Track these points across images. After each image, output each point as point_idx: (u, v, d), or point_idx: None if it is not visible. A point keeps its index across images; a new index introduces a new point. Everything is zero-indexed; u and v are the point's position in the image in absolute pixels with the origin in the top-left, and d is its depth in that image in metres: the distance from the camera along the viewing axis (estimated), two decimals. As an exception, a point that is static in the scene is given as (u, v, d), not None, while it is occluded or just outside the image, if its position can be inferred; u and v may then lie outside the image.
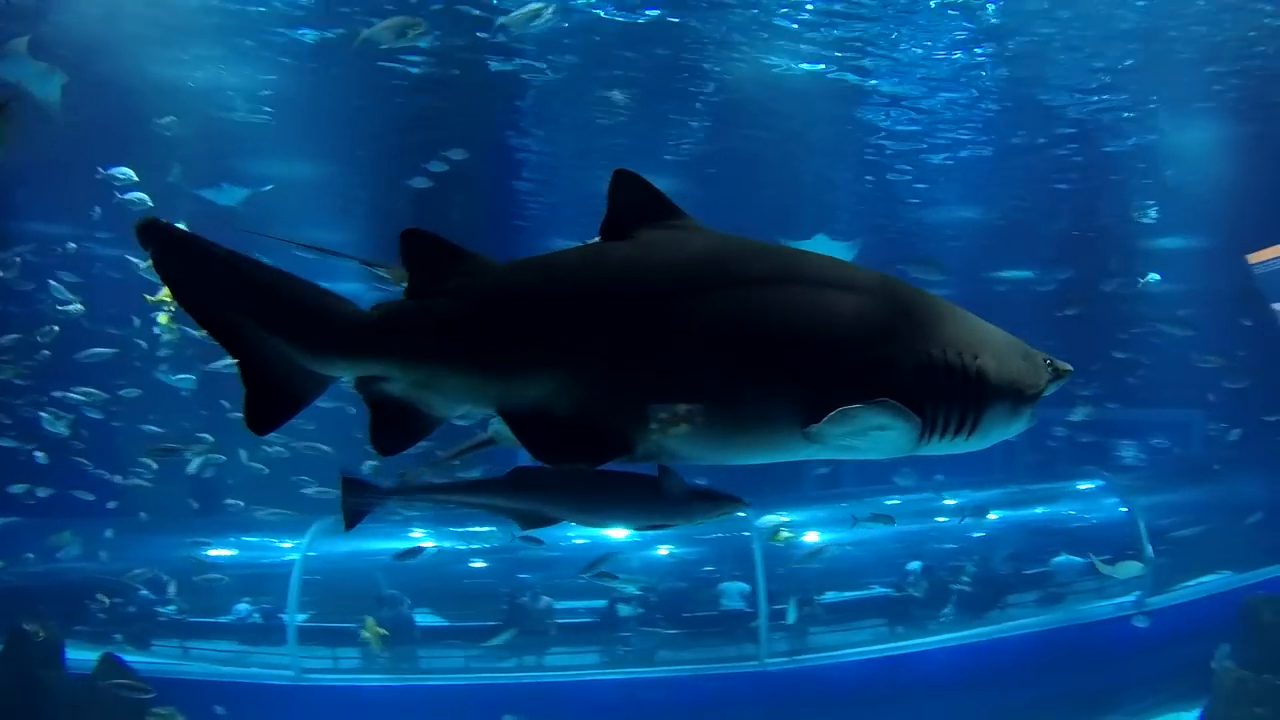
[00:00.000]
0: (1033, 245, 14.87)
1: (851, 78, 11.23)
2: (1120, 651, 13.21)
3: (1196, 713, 12.29)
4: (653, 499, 2.64)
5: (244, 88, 11.00)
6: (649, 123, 12.08)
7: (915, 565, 13.02)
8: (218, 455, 12.58)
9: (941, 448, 2.19)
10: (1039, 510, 13.83)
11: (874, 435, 2.05)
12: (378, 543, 13.77)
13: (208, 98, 10.83)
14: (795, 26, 10.38)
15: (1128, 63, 10.90)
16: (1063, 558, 13.41)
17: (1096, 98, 11.86)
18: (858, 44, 10.69)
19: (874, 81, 11.40)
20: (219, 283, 2.07)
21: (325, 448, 12.50)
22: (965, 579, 12.59)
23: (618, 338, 2.04)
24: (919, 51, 10.86)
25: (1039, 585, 13.23)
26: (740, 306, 2.04)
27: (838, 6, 9.82)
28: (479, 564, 13.29)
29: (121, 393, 12.52)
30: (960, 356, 2.13)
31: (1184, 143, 12.51)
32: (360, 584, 13.43)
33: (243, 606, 13.39)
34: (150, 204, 10.52)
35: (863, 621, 12.67)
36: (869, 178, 13.22)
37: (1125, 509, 13.72)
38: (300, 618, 12.87)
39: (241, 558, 14.23)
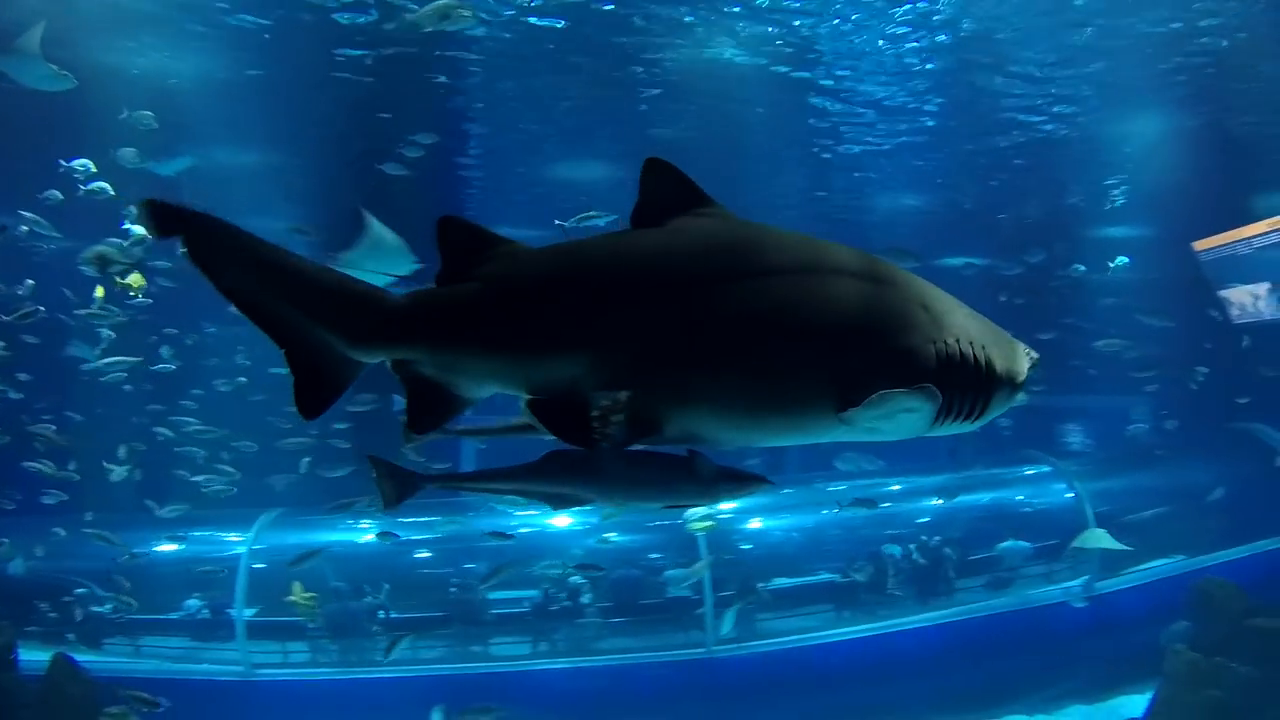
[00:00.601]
0: (977, 232, 14.98)
1: (797, 71, 11.21)
2: (1071, 635, 13.35)
3: (1149, 695, 12.32)
4: (683, 479, 2.66)
5: (189, 74, 10.90)
6: (592, 110, 12.02)
7: (894, 549, 13.06)
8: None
9: (948, 429, 2.36)
10: (986, 496, 13.89)
11: (900, 418, 2.18)
12: (324, 535, 13.72)
13: (152, 84, 10.71)
14: (739, 10, 10.35)
15: (1075, 52, 10.95)
16: (1010, 543, 13.49)
17: (1042, 87, 11.92)
18: (802, 31, 10.68)
19: (819, 68, 11.39)
20: (262, 275, 2.11)
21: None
22: (912, 564, 12.61)
23: (651, 323, 2.09)
24: (864, 37, 10.88)
25: (987, 570, 13.29)
26: (777, 294, 2.13)
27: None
28: (424, 554, 13.16)
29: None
30: (971, 347, 2.30)
31: (1129, 133, 12.60)
32: (307, 577, 13.31)
33: (192, 602, 13.33)
34: (111, 193, 10.39)
35: (810, 607, 12.68)
36: (813, 163, 13.20)
37: (1072, 494, 13.84)
38: (249, 612, 12.75)
39: (188, 553, 14.08)
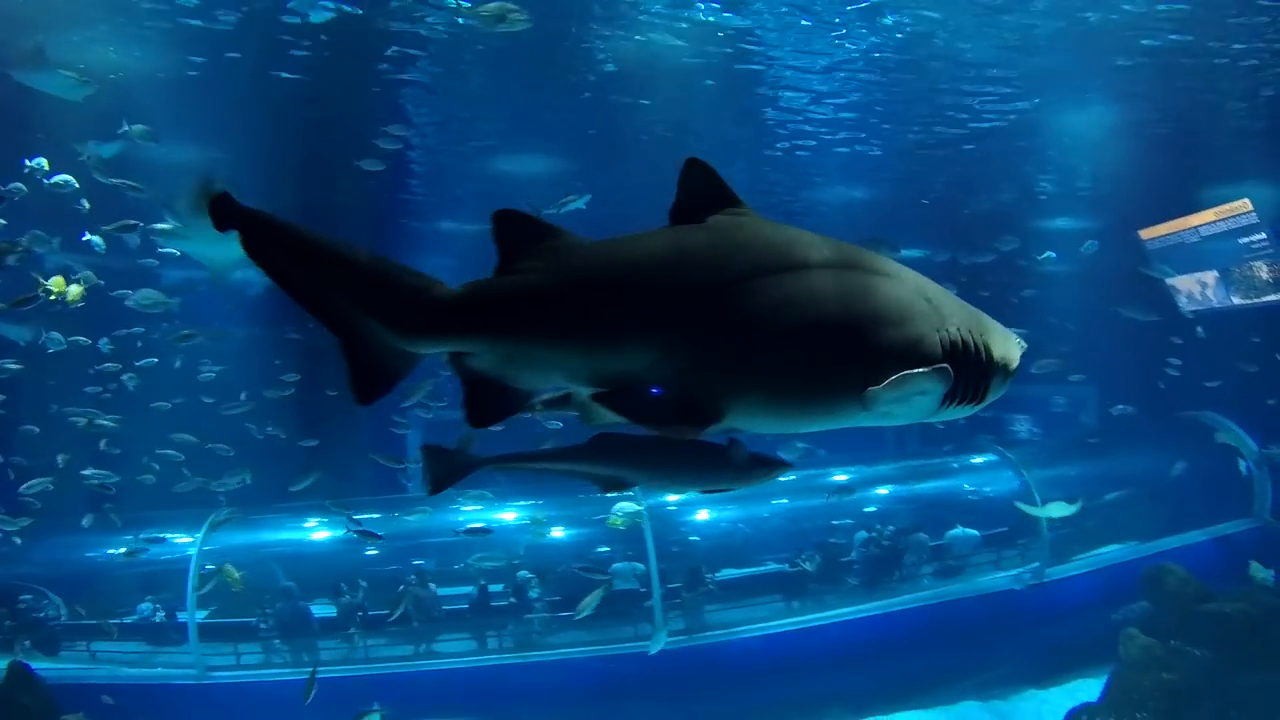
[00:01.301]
0: (923, 224, 15.07)
1: (741, 61, 11.24)
2: (1023, 622, 13.48)
3: (1103, 679, 12.48)
4: (720, 464, 2.83)
5: (136, 70, 10.84)
6: (534, 103, 12.02)
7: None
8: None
9: (951, 413, 2.54)
10: (933, 484, 14.00)
11: (913, 400, 2.35)
12: (271, 534, 13.71)
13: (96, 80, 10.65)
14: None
15: (1023, 43, 11.02)
16: (958, 530, 13.60)
17: (988, 84, 11.99)
18: (746, 22, 10.69)
19: (762, 62, 11.42)
20: (314, 266, 2.15)
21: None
22: (861, 553, 12.68)
23: (709, 316, 2.20)
24: (807, 27, 10.89)
25: (936, 558, 13.38)
26: (811, 289, 2.28)
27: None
28: (373, 552, 13.15)
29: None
30: (972, 336, 2.50)
31: (1074, 126, 12.72)
32: (257, 577, 13.28)
33: (145, 606, 13.26)
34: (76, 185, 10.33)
35: (758, 598, 12.74)
36: (758, 155, 13.25)
37: (1020, 482, 13.94)
38: (200, 615, 12.72)
39: (140, 555, 14.00)
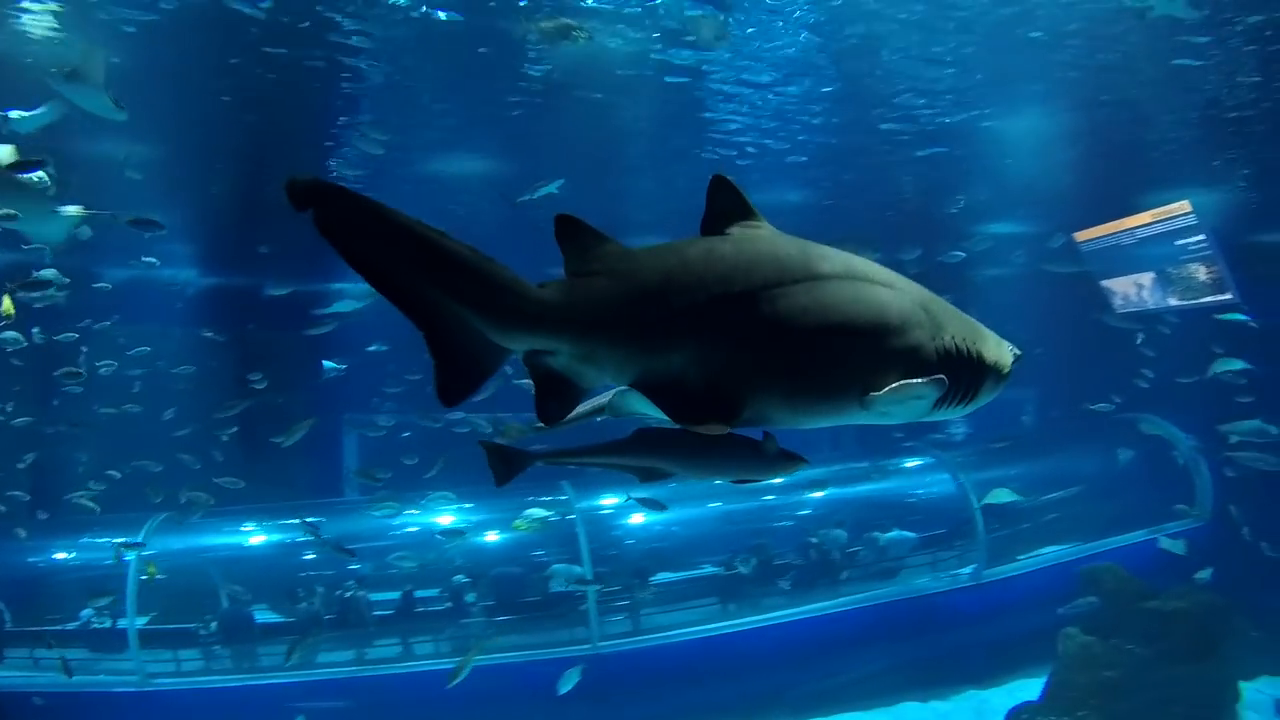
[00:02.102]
0: (863, 227, 15.12)
1: (681, 57, 11.26)
2: (962, 622, 13.59)
3: (1043, 678, 12.64)
4: (750, 457, 3.05)
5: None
6: (471, 104, 12.01)
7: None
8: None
9: (941, 414, 2.73)
10: (869, 487, 14.09)
11: (910, 404, 2.56)
12: (210, 539, 13.67)
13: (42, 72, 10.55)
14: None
15: (965, 50, 11.11)
16: (895, 533, 13.69)
17: (926, 91, 12.06)
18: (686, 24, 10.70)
19: (705, 64, 11.43)
20: (401, 251, 2.11)
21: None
22: (796, 555, 12.75)
23: (741, 321, 2.40)
24: (750, 30, 10.93)
25: (872, 560, 13.46)
26: (823, 299, 2.49)
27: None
28: (311, 556, 13.13)
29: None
30: (965, 343, 2.71)
31: (1015, 131, 12.81)
32: (196, 581, 13.25)
33: (87, 611, 13.17)
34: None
35: (694, 601, 12.79)
36: (696, 157, 13.27)
37: (956, 484, 14.04)
38: (140, 621, 12.66)
39: (81, 559, 13.95)
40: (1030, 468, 14.72)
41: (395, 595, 12.67)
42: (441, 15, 10.07)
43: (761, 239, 2.59)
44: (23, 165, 9.16)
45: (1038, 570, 14.19)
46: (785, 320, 2.42)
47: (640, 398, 2.44)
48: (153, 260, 13.54)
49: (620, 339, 2.35)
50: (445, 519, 12.52)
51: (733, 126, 13.04)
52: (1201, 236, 14.02)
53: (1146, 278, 14.44)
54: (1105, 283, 14.79)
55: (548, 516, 10.79)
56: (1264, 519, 14.74)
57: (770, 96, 12.36)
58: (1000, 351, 2.86)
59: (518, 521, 10.69)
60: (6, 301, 11.24)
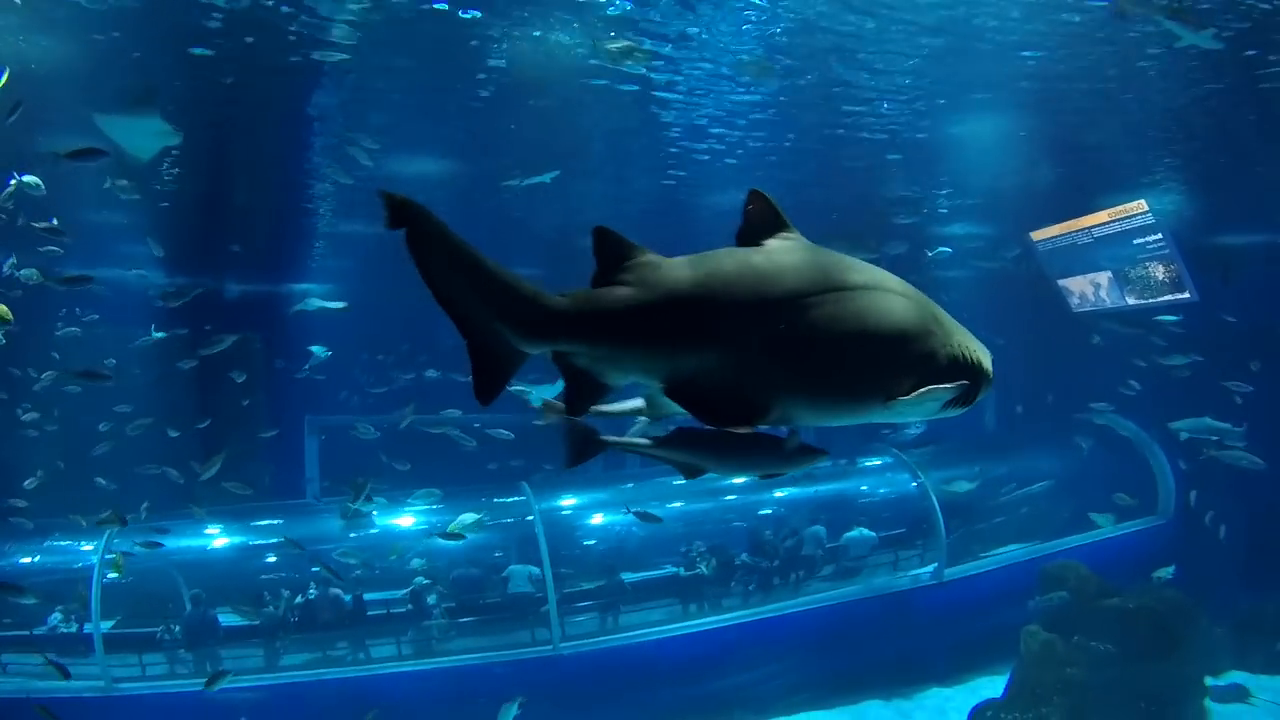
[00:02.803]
0: (822, 228, 15.18)
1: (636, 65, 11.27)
2: (923, 622, 13.67)
3: (1005, 676, 12.72)
4: (775, 453, 3.35)
5: (42, 60, 10.68)
6: (425, 103, 12.02)
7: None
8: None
9: (945, 413, 2.97)
10: (830, 486, 14.14)
11: (924, 405, 2.81)
12: (172, 541, 13.62)
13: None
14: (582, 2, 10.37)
15: (922, 53, 11.17)
16: (856, 532, 13.75)
17: (892, 88, 12.12)
18: (647, 21, 10.71)
19: (661, 61, 11.45)
20: (460, 271, 2.40)
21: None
22: (757, 555, 12.79)
23: (767, 327, 2.58)
24: (710, 33, 10.95)
25: (832, 559, 13.52)
26: (848, 308, 2.68)
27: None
28: (272, 559, 13.11)
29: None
30: (968, 350, 2.96)
31: (972, 133, 12.89)
32: (160, 584, 13.20)
33: (55, 616, 13.13)
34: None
35: (655, 601, 12.81)
36: (657, 156, 13.32)
37: (916, 483, 14.11)
38: (105, 625, 12.64)
39: (44, 563, 13.89)
40: (991, 466, 14.80)
41: (348, 598, 12.63)
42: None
43: (793, 250, 2.79)
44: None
45: (999, 569, 14.29)
46: (815, 328, 2.62)
47: (663, 402, 2.68)
48: (142, 273, 13.58)
49: (637, 342, 2.56)
50: (406, 520, 12.52)
51: (692, 123, 13.08)
52: (1158, 236, 14.16)
53: (1103, 277, 14.56)
54: (1062, 282, 14.90)
55: (481, 519, 10.88)
56: (1225, 511, 14.94)
57: (726, 100, 12.42)
58: (986, 356, 3.10)
59: (453, 525, 10.74)
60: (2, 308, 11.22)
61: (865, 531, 13.81)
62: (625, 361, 2.59)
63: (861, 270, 2.83)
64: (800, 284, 2.66)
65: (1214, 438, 13.67)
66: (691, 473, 3.39)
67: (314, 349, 14.28)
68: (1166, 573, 13.37)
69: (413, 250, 2.36)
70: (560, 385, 2.65)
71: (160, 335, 13.77)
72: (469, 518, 10.47)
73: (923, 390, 2.73)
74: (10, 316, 11.29)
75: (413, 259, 2.35)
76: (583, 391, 2.63)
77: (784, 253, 2.77)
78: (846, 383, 2.74)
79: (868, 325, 2.71)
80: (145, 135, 9.75)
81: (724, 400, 2.56)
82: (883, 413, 2.80)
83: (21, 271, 11.87)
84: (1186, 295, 14.26)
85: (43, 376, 12.71)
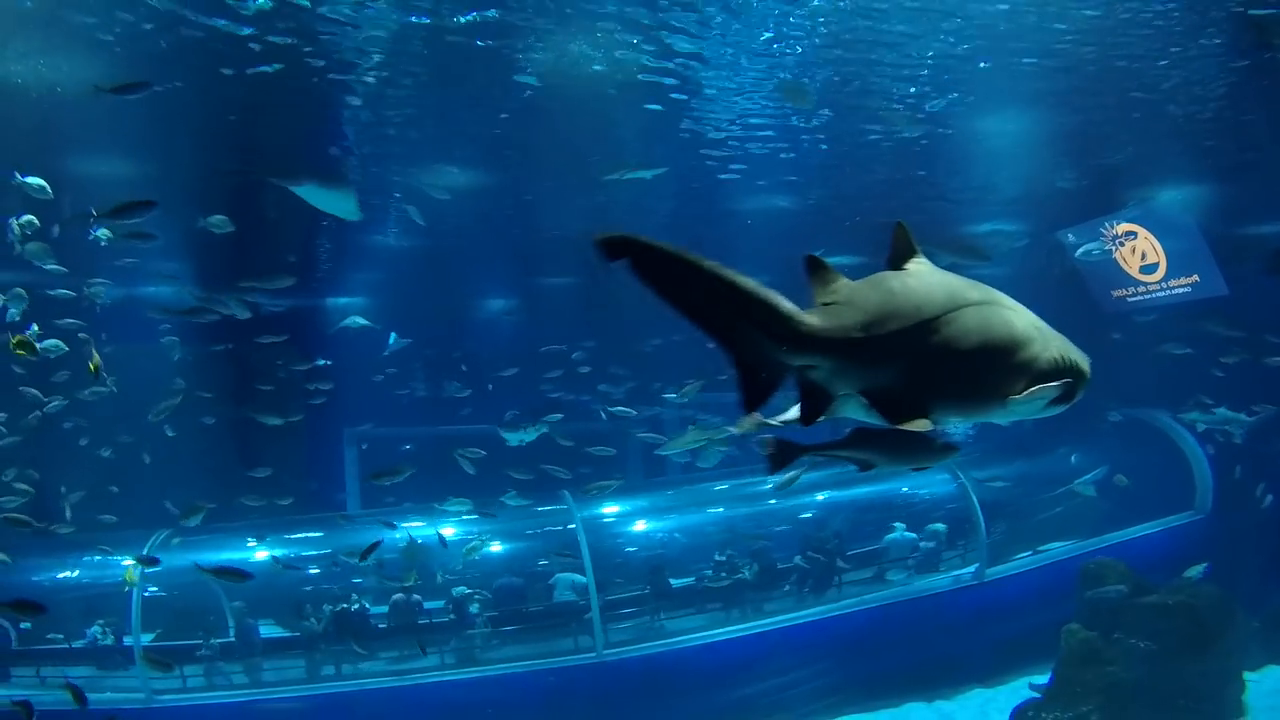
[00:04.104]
0: (848, 232, 15.10)
1: (658, 61, 11.22)
2: (965, 622, 13.56)
3: (1047, 675, 12.55)
4: (925, 448, 3.85)
5: (66, 83, 10.70)
6: (454, 116, 12.00)
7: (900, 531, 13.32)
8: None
9: (1048, 411, 3.25)
10: (869, 489, 14.03)
11: (1033, 403, 3.10)
12: (212, 554, 13.60)
13: (28, 93, 10.51)
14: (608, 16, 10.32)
15: (945, 54, 11.07)
16: (896, 534, 13.62)
17: (914, 87, 12.02)
18: (671, 27, 10.66)
19: (688, 66, 11.40)
20: (708, 291, 2.58)
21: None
22: (799, 559, 12.68)
23: (926, 340, 2.93)
24: (735, 36, 10.88)
25: (874, 561, 13.40)
26: (979, 321, 3.05)
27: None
28: (313, 571, 13.09)
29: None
30: (1066, 354, 3.26)
31: (997, 131, 12.81)
32: (201, 598, 13.22)
33: (94, 629, 13.18)
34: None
35: (697, 606, 12.74)
36: (683, 165, 13.26)
37: (956, 483, 13.97)
38: (146, 638, 12.65)
39: (84, 578, 13.90)
40: (1029, 465, 14.67)
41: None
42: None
43: (931, 272, 3.19)
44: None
45: (1039, 568, 14.16)
46: (957, 339, 2.99)
47: (853, 405, 3.02)
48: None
49: (860, 356, 2.86)
50: (449, 530, 12.47)
51: (716, 135, 13.02)
52: (1187, 229, 14.03)
53: (1132, 272, 14.42)
54: (1093, 279, 14.78)
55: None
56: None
57: (754, 112, 12.35)
58: (1084, 359, 3.40)
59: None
60: (95, 357, 11.23)
61: (906, 533, 13.71)
62: (851, 373, 2.88)
63: (977, 287, 3.18)
64: (944, 302, 3.02)
65: (1227, 428, 13.69)
66: (865, 467, 3.92)
67: (391, 338, 14.37)
68: (1197, 571, 13.23)
69: (641, 279, 2.52)
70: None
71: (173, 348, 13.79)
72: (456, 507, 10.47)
73: (1033, 389, 3.04)
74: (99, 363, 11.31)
75: (646, 286, 2.52)
76: (816, 403, 2.93)
77: (926, 275, 3.16)
78: (977, 384, 3.08)
79: (990, 335, 3.06)
80: (340, 202, 10.53)
81: (902, 402, 2.93)
82: (1000, 411, 3.12)
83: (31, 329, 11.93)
84: (1217, 288, 14.12)
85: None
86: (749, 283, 2.60)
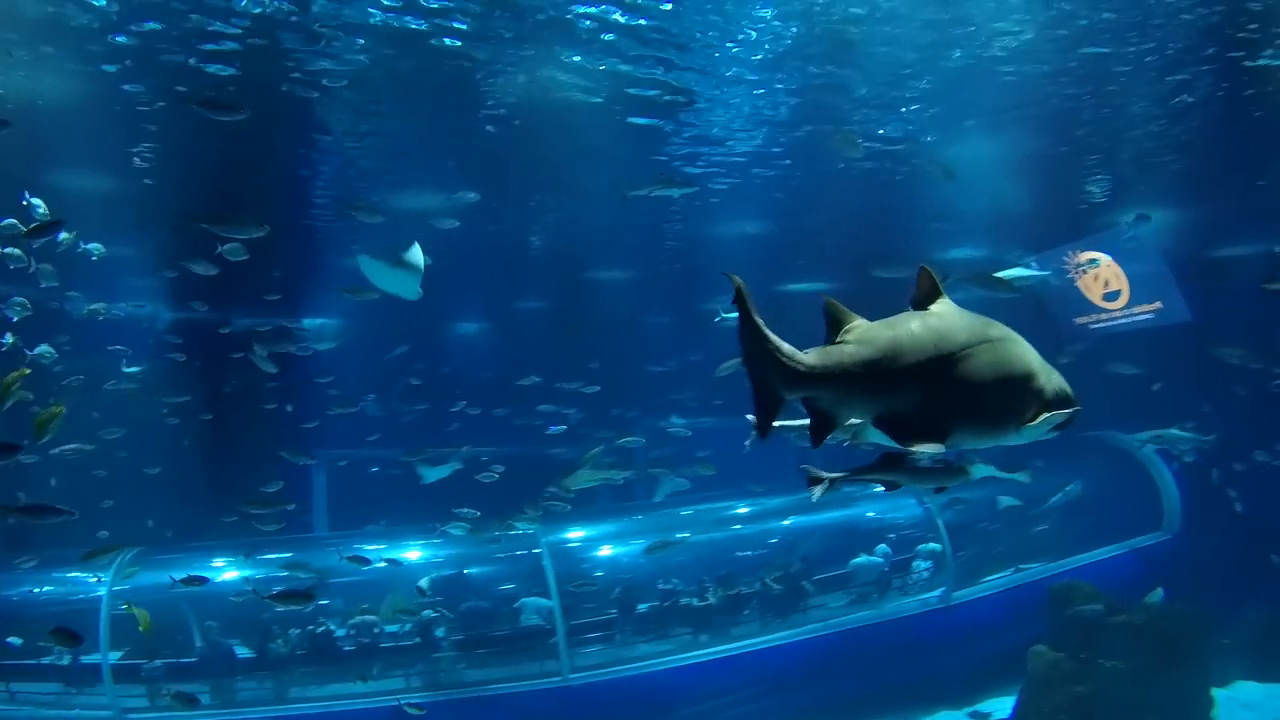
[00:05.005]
0: (821, 258, 15.12)
1: (644, 89, 11.21)
2: (932, 645, 13.54)
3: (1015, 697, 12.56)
4: (944, 470, 4.36)
5: (49, 96, 10.63)
6: (432, 136, 11.95)
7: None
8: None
9: (1049, 435, 3.58)
10: (836, 514, 14.02)
11: (1040, 429, 3.47)
12: (180, 574, 13.50)
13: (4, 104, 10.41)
14: (582, 38, 10.30)
15: (920, 83, 11.11)
16: (862, 558, 13.63)
17: (890, 114, 12.03)
18: (653, 45, 10.62)
19: (666, 92, 11.38)
20: (749, 342, 3.10)
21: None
22: (767, 583, 12.67)
23: (945, 374, 3.27)
24: (714, 57, 10.85)
25: (840, 585, 13.40)
26: (996, 356, 3.40)
27: (619, 16, 9.75)
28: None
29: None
30: (1062, 384, 3.63)
31: (971, 158, 12.81)
32: (169, 616, 13.09)
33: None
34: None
35: (664, 631, 12.69)
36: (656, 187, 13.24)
37: (922, 508, 13.98)
38: (114, 656, 12.50)
39: (53, 594, 13.77)
40: (995, 488, 14.65)
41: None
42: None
43: (954, 312, 3.51)
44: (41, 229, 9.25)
45: (1007, 590, 14.17)
46: (976, 373, 3.33)
47: (873, 430, 3.34)
48: (141, 304, 13.54)
49: (860, 388, 3.21)
50: (413, 553, 12.41)
51: (692, 157, 13.01)
52: (1150, 255, 14.08)
53: (1096, 296, 14.47)
54: (1057, 302, 14.82)
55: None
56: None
57: (732, 143, 12.34)
58: (1069, 388, 3.76)
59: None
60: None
61: (871, 557, 13.70)
62: (854, 402, 3.24)
63: (994, 325, 3.56)
64: (964, 339, 3.38)
65: (1180, 449, 13.85)
66: (890, 487, 4.44)
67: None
68: (1156, 596, 13.26)
69: (740, 323, 3.09)
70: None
71: (134, 370, 13.76)
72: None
73: (1045, 416, 3.46)
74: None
75: (740, 328, 3.07)
76: (822, 428, 3.27)
77: (948, 315, 3.49)
78: (995, 411, 3.46)
79: (1009, 368, 3.44)
80: (403, 281, 10.82)
81: (914, 427, 3.24)
82: (1014, 435, 3.51)
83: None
84: (1180, 314, 14.20)
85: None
86: (765, 329, 3.10)
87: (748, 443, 3.91)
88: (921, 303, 3.55)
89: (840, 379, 3.19)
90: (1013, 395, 3.43)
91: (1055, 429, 3.53)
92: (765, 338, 3.10)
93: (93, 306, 12.73)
